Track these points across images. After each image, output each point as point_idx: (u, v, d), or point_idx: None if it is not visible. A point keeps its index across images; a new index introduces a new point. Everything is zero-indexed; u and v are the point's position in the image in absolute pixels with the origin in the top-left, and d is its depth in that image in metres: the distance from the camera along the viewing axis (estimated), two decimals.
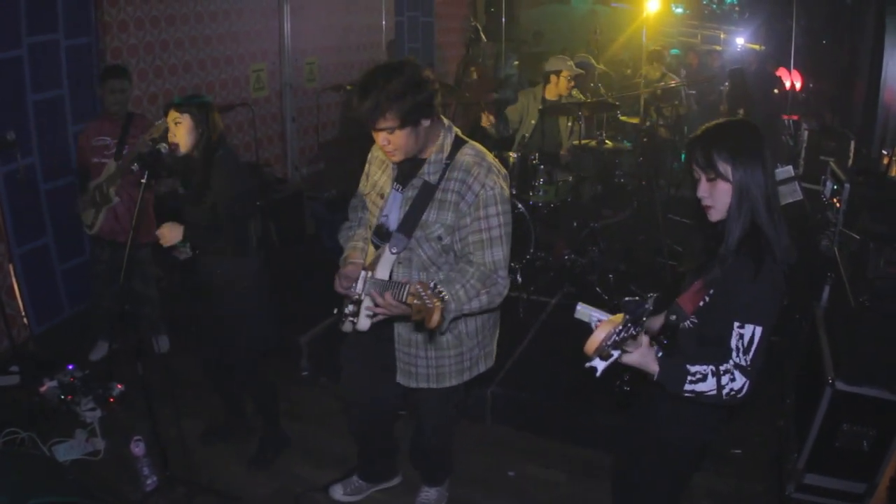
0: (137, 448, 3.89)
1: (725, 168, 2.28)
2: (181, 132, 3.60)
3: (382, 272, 2.99)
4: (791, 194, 5.03)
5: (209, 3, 6.91)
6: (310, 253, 7.04)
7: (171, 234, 3.65)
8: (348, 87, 8.93)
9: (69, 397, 4.56)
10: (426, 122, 2.83)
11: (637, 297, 2.12)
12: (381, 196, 3.08)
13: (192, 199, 3.73)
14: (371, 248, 3.18)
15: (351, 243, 3.29)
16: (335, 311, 3.25)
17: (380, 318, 2.83)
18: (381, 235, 3.04)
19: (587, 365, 2.08)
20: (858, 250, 3.75)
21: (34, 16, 5.18)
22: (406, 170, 3.00)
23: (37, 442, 4.18)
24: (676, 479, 2.79)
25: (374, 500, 3.98)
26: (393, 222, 3.00)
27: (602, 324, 2.07)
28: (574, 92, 6.92)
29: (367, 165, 3.26)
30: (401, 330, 3.12)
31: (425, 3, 10.78)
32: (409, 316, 2.56)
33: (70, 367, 4.78)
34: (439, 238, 2.91)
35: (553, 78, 6.57)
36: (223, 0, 7.10)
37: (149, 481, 3.91)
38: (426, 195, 2.91)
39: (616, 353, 2.08)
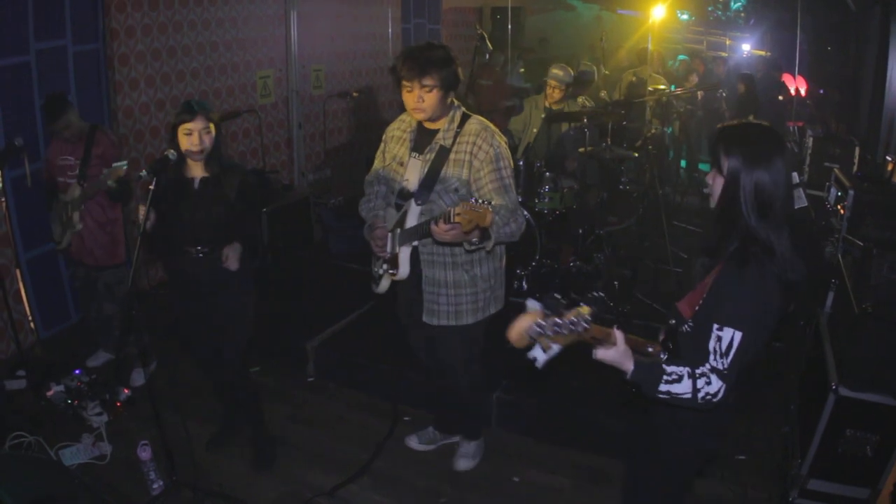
0: (144, 452, 3.91)
1: (724, 163, 2.30)
2: (210, 138, 3.69)
3: (411, 223, 3.52)
4: (796, 201, 5.03)
5: (216, 10, 6.94)
6: (316, 259, 7.06)
7: (235, 256, 3.85)
8: (354, 94, 8.99)
9: (76, 402, 4.59)
10: (451, 94, 3.45)
11: (558, 295, 2.23)
12: (401, 164, 3.63)
13: (210, 200, 3.77)
14: (392, 212, 3.67)
15: (372, 213, 3.78)
16: (376, 269, 3.81)
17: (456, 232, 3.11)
18: (404, 196, 3.58)
19: (529, 355, 2.30)
20: (862, 257, 3.75)
21: (42, 22, 5.23)
22: (421, 140, 3.58)
23: (43, 446, 4.21)
24: (677, 484, 2.79)
25: (371, 502, 4.01)
26: (413, 184, 3.54)
27: (523, 315, 2.24)
28: (580, 99, 6.92)
29: (382, 144, 3.82)
30: (426, 271, 3.62)
31: (432, 11, 10.84)
32: (459, 237, 3.10)
33: (77, 371, 4.81)
34: (456, 190, 3.45)
35: (547, 86, 6.58)
36: (230, 7, 7.13)
37: (155, 486, 3.92)
38: (442, 156, 3.48)
39: (556, 347, 2.25)
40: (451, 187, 3.46)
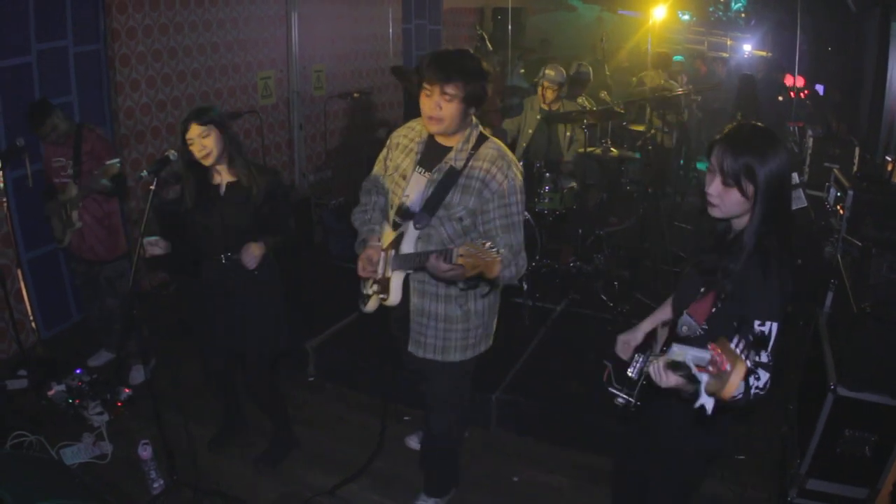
0: (144, 451, 3.91)
1: (748, 186, 2.29)
2: (211, 142, 3.62)
3: (407, 247, 3.20)
4: (795, 201, 5.03)
5: (217, 11, 6.96)
6: (317, 260, 7.07)
7: (253, 256, 3.73)
8: (356, 95, 9.00)
9: (77, 401, 4.60)
10: (472, 111, 3.11)
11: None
12: (404, 177, 3.27)
13: (236, 205, 3.75)
14: (388, 229, 3.36)
15: (368, 226, 3.45)
16: (366, 291, 3.49)
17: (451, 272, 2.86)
18: (403, 214, 3.25)
19: (698, 404, 1.95)
20: (861, 257, 3.76)
21: (43, 23, 5.24)
22: (429, 155, 3.22)
23: (45, 445, 4.22)
24: (689, 487, 2.80)
25: (371, 502, 4.02)
26: (415, 203, 3.20)
27: (737, 366, 1.88)
28: (580, 99, 6.93)
29: (385, 150, 3.47)
30: (416, 300, 3.31)
31: (433, 12, 10.84)
32: (458, 278, 2.85)
33: (78, 371, 4.83)
34: (460, 219, 3.12)
35: (540, 86, 6.58)
36: (231, 8, 7.15)
37: (156, 485, 3.93)
38: (451, 179, 3.12)
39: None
40: (456, 215, 3.13)
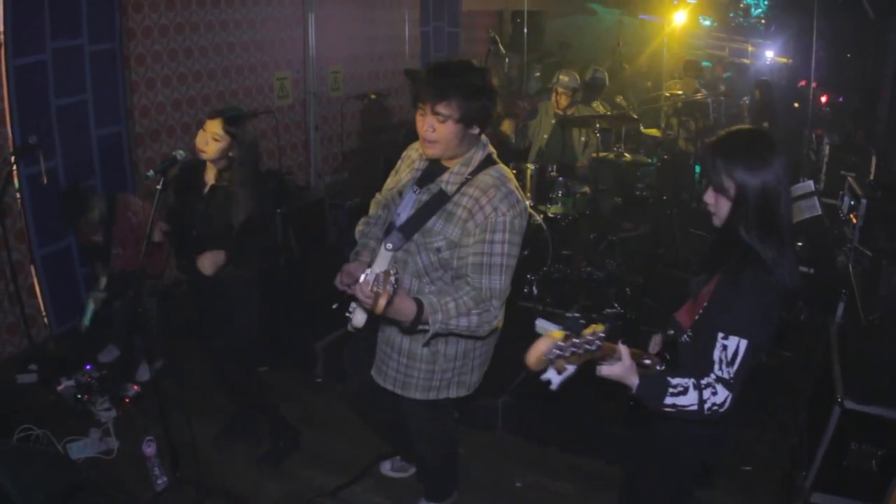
0: (149, 448, 3.93)
1: (729, 183, 2.25)
2: (216, 147, 3.62)
3: (378, 268, 2.90)
4: (809, 209, 5.00)
5: (234, 11, 6.99)
6: (329, 261, 7.05)
7: (211, 263, 3.67)
8: (372, 97, 9.01)
9: (85, 397, 4.64)
10: (475, 130, 2.81)
11: (578, 315, 2.18)
12: (400, 194, 3.05)
13: (214, 212, 3.74)
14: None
15: (364, 240, 3.26)
16: (334, 306, 3.26)
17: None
18: (387, 232, 3.01)
19: (543, 378, 2.13)
20: (871, 267, 3.72)
21: (59, 21, 5.27)
22: (428, 174, 2.97)
23: (51, 439, 4.25)
24: (684, 489, 2.77)
25: (372, 503, 4.02)
26: (401, 222, 2.95)
27: (542, 338, 2.06)
28: (595, 104, 6.91)
29: (399, 162, 3.22)
30: (383, 328, 3.12)
31: (451, 14, 10.83)
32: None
33: (88, 367, 4.86)
34: (438, 250, 2.85)
35: (553, 92, 6.56)
36: (248, 9, 7.18)
37: (159, 481, 3.95)
38: (437, 203, 2.86)
39: (571, 368, 2.09)
40: (433, 245, 2.84)
